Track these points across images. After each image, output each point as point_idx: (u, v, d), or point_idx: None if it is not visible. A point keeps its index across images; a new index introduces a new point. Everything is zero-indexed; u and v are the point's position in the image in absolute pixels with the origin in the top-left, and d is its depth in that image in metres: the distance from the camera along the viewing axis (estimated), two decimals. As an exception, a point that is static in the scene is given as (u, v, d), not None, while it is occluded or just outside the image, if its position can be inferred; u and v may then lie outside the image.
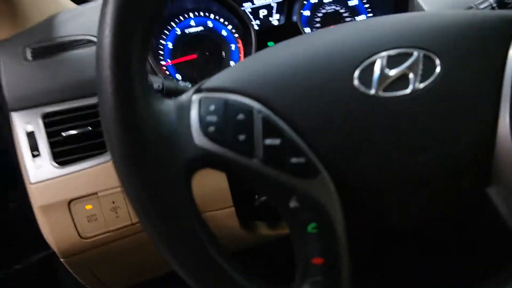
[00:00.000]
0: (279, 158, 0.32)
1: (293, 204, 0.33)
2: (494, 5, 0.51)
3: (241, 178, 0.34)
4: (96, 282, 0.70)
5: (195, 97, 0.34)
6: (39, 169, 0.57)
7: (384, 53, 0.35)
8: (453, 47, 0.36)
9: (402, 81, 0.34)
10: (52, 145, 0.59)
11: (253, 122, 0.33)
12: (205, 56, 0.73)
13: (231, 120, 0.32)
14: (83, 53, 0.67)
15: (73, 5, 0.78)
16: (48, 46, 0.66)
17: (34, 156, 0.57)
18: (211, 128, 0.32)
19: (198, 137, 0.32)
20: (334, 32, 0.37)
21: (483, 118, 0.36)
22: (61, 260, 0.60)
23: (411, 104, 0.34)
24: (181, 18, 0.72)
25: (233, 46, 0.74)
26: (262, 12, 0.75)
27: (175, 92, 0.47)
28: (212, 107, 0.33)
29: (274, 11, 0.75)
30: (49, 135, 0.59)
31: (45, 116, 0.59)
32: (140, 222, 0.32)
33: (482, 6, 0.52)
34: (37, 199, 0.56)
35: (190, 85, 0.49)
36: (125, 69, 0.31)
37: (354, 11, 0.78)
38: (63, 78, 0.65)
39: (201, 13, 0.73)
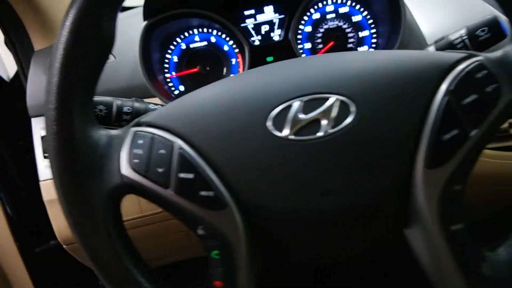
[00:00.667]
0: (190, 190, 0.37)
1: (200, 231, 0.37)
2: (465, 37, 0.49)
3: (158, 204, 0.39)
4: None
5: (132, 130, 0.39)
6: (47, 168, 0.66)
7: (300, 98, 0.37)
8: (371, 94, 0.37)
9: (314, 125, 0.37)
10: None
11: (172, 157, 0.37)
12: (206, 70, 0.78)
13: (153, 154, 0.37)
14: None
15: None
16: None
17: (45, 157, 0.67)
18: (136, 160, 0.37)
19: (124, 167, 0.37)
20: (257, 75, 0.40)
21: (398, 163, 0.37)
22: (64, 246, 0.69)
23: (320, 148, 0.36)
24: (186, 34, 0.78)
25: (233, 61, 0.78)
26: (264, 28, 0.78)
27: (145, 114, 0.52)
28: (140, 141, 0.38)
29: (276, 26, 0.78)
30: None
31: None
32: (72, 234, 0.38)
33: (453, 38, 0.50)
34: (44, 194, 0.66)
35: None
36: (67, 103, 0.37)
37: (358, 27, 0.77)
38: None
39: (205, 30, 0.77)
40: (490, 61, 0.38)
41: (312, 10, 0.77)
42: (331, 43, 0.77)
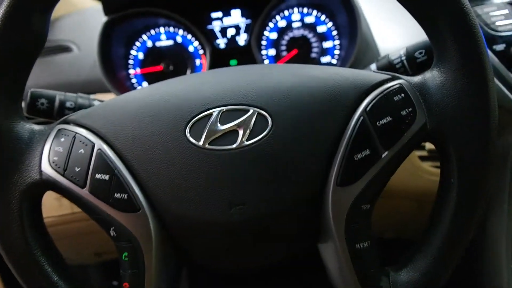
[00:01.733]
0: (105, 191, 0.38)
1: (112, 233, 0.38)
2: (404, 58, 0.50)
3: (75, 203, 0.39)
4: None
5: (57, 127, 0.40)
6: None
7: (220, 108, 0.38)
8: (289, 109, 0.38)
9: (230, 136, 0.38)
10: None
11: (90, 157, 0.38)
12: (170, 68, 0.79)
13: (73, 153, 0.38)
14: (65, 58, 0.76)
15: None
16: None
17: None
18: (55, 158, 0.38)
19: (44, 164, 0.38)
20: (183, 82, 0.41)
21: (310, 179, 0.38)
22: None
23: (234, 159, 0.37)
24: (153, 31, 0.79)
25: (198, 62, 0.79)
26: (230, 32, 0.79)
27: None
28: (62, 139, 0.39)
29: (242, 31, 0.78)
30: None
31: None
32: None
33: (393, 58, 0.51)
34: None
35: None
36: None
37: (322, 37, 0.78)
38: (52, 77, 0.75)
39: (171, 29, 0.78)
40: (410, 84, 0.39)
41: (278, 18, 0.78)
42: (295, 51, 0.78)
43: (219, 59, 0.77)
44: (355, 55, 0.68)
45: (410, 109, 0.38)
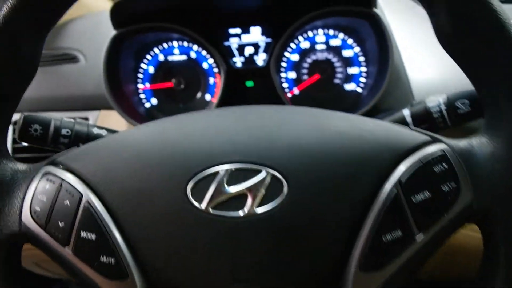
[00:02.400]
0: (90, 253, 0.32)
1: None
2: (443, 107, 0.44)
3: (55, 260, 0.34)
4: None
5: (44, 170, 0.35)
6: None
7: (228, 166, 0.32)
8: (309, 173, 0.32)
9: (238, 200, 0.32)
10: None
11: (77, 211, 0.33)
12: (182, 85, 0.73)
13: (57, 204, 0.33)
14: (70, 69, 0.71)
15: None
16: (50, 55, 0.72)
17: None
18: (37, 208, 0.33)
19: (24, 214, 0.33)
20: (190, 129, 0.35)
21: (327, 260, 0.32)
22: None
23: (241, 229, 0.31)
24: (165, 45, 0.73)
25: (211, 80, 0.74)
26: (248, 50, 0.73)
27: (85, 139, 0.48)
28: (47, 186, 0.34)
29: (261, 50, 0.73)
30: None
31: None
32: None
33: (430, 105, 0.45)
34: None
35: (105, 133, 0.50)
36: None
37: (348, 62, 0.72)
38: (55, 90, 0.71)
39: (185, 43, 0.73)
40: (455, 152, 0.33)
41: (301, 38, 0.72)
42: (317, 76, 0.72)
43: (235, 79, 0.72)
44: (385, 86, 0.62)
45: (453, 184, 0.31)
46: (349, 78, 0.72)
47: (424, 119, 0.45)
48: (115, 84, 0.66)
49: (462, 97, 0.44)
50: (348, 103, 0.72)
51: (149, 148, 0.34)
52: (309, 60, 0.73)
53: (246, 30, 0.73)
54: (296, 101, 0.73)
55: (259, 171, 0.32)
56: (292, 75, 0.73)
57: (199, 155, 0.33)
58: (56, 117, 0.48)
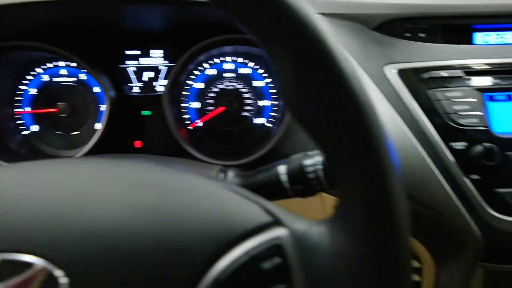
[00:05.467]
0: None
1: None
2: (319, 167, 0.37)
3: None
4: None
5: None
6: None
7: None
8: (94, 266, 0.24)
9: None
10: None
11: None
12: (67, 112, 0.64)
13: None
14: None
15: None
16: None
17: None
18: None
19: None
20: None
21: None
22: None
23: None
24: (51, 64, 0.64)
25: (103, 107, 0.64)
26: (148, 75, 0.64)
27: None
28: None
29: (162, 75, 0.64)
30: None
31: None
32: None
33: (307, 163, 0.38)
34: None
35: None
36: None
37: (258, 94, 0.65)
38: None
39: (74, 64, 0.64)
40: (295, 240, 0.25)
41: (206, 65, 0.64)
42: (221, 109, 0.64)
43: (128, 108, 0.63)
44: (286, 124, 0.55)
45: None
46: (259, 111, 0.65)
47: (299, 179, 0.38)
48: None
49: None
50: (257, 139, 0.64)
51: None
52: (215, 89, 0.65)
53: (145, 53, 0.64)
54: (198, 134, 0.64)
55: (29, 265, 0.23)
56: (196, 105, 0.65)
57: None
58: None
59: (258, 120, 0.65)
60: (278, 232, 0.26)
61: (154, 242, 0.25)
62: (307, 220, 0.28)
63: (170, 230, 0.25)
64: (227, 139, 0.64)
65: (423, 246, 0.52)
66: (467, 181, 0.48)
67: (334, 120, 0.25)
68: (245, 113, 0.65)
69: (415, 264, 0.53)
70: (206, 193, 0.28)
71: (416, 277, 0.53)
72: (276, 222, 0.26)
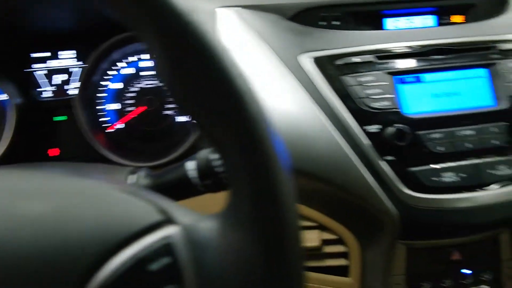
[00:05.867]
0: None
1: None
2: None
3: None
4: None
5: None
6: None
7: None
8: None
9: None
10: None
11: None
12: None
13: None
14: None
15: None
16: None
17: None
18: None
19: None
20: None
21: None
22: None
23: None
24: None
25: (9, 115, 0.60)
26: (61, 77, 0.61)
27: None
28: None
29: (76, 77, 0.61)
30: None
31: None
32: None
33: (213, 157, 0.37)
34: None
35: None
36: None
37: (180, 91, 0.63)
38: None
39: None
40: (186, 237, 0.24)
41: (122, 64, 0.61)
42: (142, 109, 0.61)
43: (39, 114, 0.59)
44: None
45: None
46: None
47: (207, 174, 0.37)
48: None
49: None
50: (179, 137, 0.62)
51: None
52: (134, 89, 0.62)
53: (54, 55, 0.60)
54: (119, 137, 0.62)
55: None
56: (114, 106, 0.62)
57: None
58: None
59: (181, 118, 0.63)
60: (169, 231, 0.24)
61: (35, 252, 0.23)
62: (199, 215, 0.26)
63: (51, 240, 0.23)
64: (149, 139, 0.62)
65: (347, 229, 0.53)
66: (382, 162, 0.50)
67: (215, 111, 0.24)
68: (167, 112, 0.63)
69: (342, 248, 0.54)
70: (93, 197, 0.26)
71: (343, 262, 0.54)
72: (168, 220, 0.25)
